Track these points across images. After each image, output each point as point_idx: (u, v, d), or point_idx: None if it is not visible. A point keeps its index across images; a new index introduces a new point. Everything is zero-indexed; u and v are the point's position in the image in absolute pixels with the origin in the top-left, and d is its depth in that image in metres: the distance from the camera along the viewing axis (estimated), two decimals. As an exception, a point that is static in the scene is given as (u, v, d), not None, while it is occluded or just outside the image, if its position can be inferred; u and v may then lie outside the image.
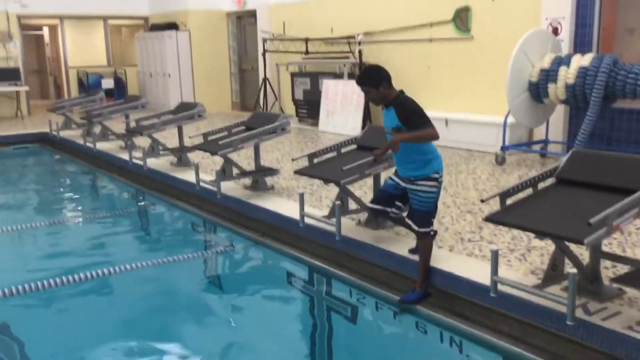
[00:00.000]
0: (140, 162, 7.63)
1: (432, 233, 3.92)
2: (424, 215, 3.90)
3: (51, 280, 4.49)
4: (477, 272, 3.79)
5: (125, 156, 8.12)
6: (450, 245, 4.33)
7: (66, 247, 5.71)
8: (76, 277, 4.58)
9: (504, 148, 7.37)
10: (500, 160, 7.29)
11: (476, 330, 3.60)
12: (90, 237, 6.03)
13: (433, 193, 3.88)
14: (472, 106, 8.79)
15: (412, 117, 3.80)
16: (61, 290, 4.44)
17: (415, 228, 3.89)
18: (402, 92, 3.93)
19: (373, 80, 3.89)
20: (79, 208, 7.34)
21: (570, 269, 3.37)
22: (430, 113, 9.43)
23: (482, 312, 3.61)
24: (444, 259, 4.07)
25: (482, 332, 3.56)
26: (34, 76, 17.55)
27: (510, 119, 7.43)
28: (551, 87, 6.79)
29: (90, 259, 5.25)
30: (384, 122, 4.09)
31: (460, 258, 4.12)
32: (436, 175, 3.87)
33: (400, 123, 3.83)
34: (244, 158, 7.54)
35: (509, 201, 3.62)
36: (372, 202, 4.17)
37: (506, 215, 3.44)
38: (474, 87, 8.85)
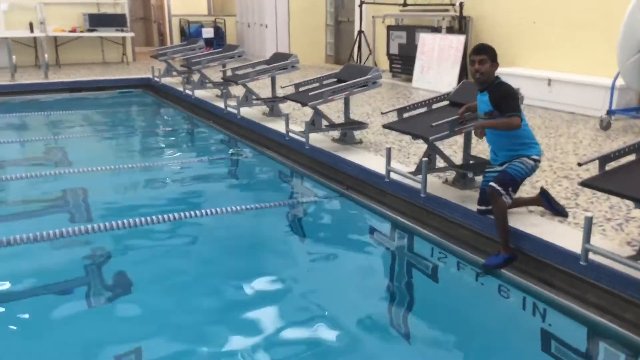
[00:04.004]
0: (235, 111, 7.82)
1: (505, 198, 3.77)
2: (508, 177, 3.83)
3: (147, 218, 4.75)
4: (568, 239, 3.62)
5: (220, 104, 8.34)
6: (542, 211, 4.14)
7: (161, 188, 6.00)
8: (170, 216, 4.82)
9: (610, 112, 6.90)
10: (605, 125, 6.84)
11: (562, 298, 3.46)
12: (183, 180, 6.32)
13: (528, 168, 3.90)
14: (579, 66, 8.26)
15: (503, 101, 3.86)
16: (155, 228, 4.69)
17: (493, 183, 3.79)
18: (498, 77, 4.00)
19: (493, 53, 3.96)
20: (175, 152, 7.67)
21: (672, 242, 3.14)
22: (532, 72, 9.02)
23: (569, 280, 3.46)
24: (534, 224, 3.91)
25: (568, 301, 3.43)
26: (139, 23, 18.28)
27: (619, 81, 6.91)
28: (669, 47, 6.23)
29: (183, 200, 5.49)
30: (478, 107, 4.14)
31: (552, 224, 3.94)
32: (536, 157, 3.93)
33: (492, 108, 3.90)
34: (334, 111, 7.53)
35: (609, 167, 3.41)
36: (479, 203, 4.09)
37: (604, 181, 3.23)
38: (582, 45, 8.28)
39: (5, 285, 3.80)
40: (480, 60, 3.91)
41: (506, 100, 3.84)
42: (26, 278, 3.89)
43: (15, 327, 3.34)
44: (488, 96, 3.94)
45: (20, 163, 6.99)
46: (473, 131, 3.98)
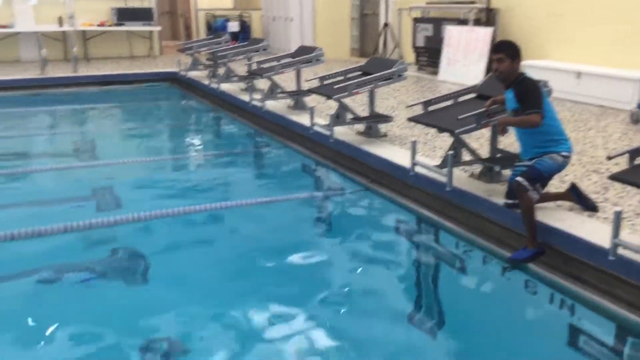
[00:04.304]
0: (259, 104, 7.85)
1: (531, 194, 3.72)
2: (536, 173, 3.79)
3: (173, 209, 4.80)
4: (597, 233, 3.56)
5: (246, 98, 8.38)
6: (571, 205, 4.08)
7: (186, 180, 6.05)
8: (194, 207, 4.87)
9: (641, 105, 6.77)
10: (635, 119, 6.70)
11: (590, 293, 3.42)
12: (209, 172, 6.39)
13: (557, 164, 3.85)
14: (609, 59, 8.09)
15: (525, 97, 3.81)
16: (180, 218, 4.74)
17: (519, 178, 3.75)
18: (523, 74, 3.94)
19: (512, 50, 3.91)
20: (201, 145, 7.74)
21: None
22: (561, 64, 8.86)
23: (598, 275, 3.41)
24: (562, 218, 3.86)
25: (597, 296, 3.38)
26: (165, 17, 18.39)
27: (652, 74, 6.78)
28: None
29: (207, 192, 5.54)
30: (506, 103, 4.12)
31: (580, 218, 3.88)
32: (565, 154, 3.86)
33: (518, 105, 3.86)
34: (359, 104, 7.51)
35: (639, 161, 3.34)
36: (506, 197, 4.05)
37: (634, 175, 3.18)
38: (612, 37, 8.11)
39: (46, 272, 3.88)
40: (498, 59, 3.88)
41: (527, 97, 3.79)
42: (60, 266, 3.97)
43: (42, 313, 3.41)
44: (513, 93, 3.90)
45: (50, 155, 7.12)
46: (497, 128, 3.94)
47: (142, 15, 13.76)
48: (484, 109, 4.36)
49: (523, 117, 3.78)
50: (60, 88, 10.65)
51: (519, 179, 3.76)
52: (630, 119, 6.77)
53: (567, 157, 3.87)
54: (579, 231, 3.63)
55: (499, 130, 3.97)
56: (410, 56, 11.78)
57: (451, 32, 10.25)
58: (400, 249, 4.53)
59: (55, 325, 3.25)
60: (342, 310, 3.50)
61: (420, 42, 11.19)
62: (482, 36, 9.65)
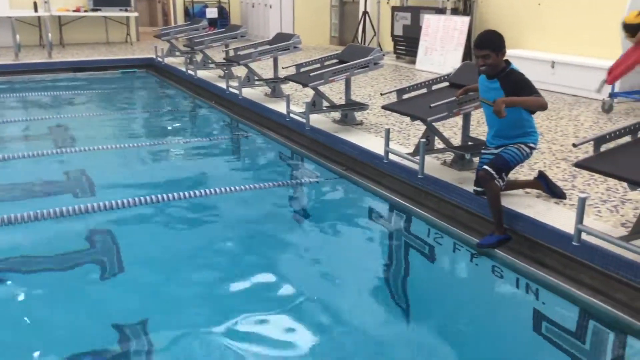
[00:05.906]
0: (236, 92, 7.82)
1: (497, 182, 3.78)
2: (502, 162, 3.83)
3: (148, 197, 4.79)
4: (562, 220, 3.64)
5: (222, 85, 8.34)
6: (538, 192, 4.16)
7: (162, 168, 6.04)
8: (170, 195, 4.85)
9: (612, 95, 6.87)
10: (607, 108, 6.81)
11: (555, 279, 3.49)
12: (185, 160, 6.35)
13: (523, 155, 3.90)
14: (584, 49, 8.20)
15: (525, 85, 3.72)
16: (156, 206, 4.73)
17: (486, 167, 3.80)
18: (507, 62, 3.86)
19: (497, 43, 3.80)
20: (176, 132, 7.69)
21: (664, 224, 3.15)
22: (536, 54, 8.93)
23: (562, 260, 3.49)
24: (529, 205, 3.93)
25: (561, 282, 3.45)
26: (143, 3, 18.21)
27: (623, 64, 6.86)
28: (674, 29, 6.17)
29: (183, 180, 5.51)
30: (481, 91, 4.02)
31: (547, 205, 3.96)
32: (532, 145, 3.92)
33: (508, 95, 3.77)
34: (336, 92, 7.52)
35: (604, 148, 3.41)
36: (475, 184, 4.06)
37: (598, 162, 3.25)
38: (586, 27, 8.21)
39: (12, 262, 3.85)
40: (483, 55, 3.79)
41: (523, 86, 3.74)
42: (31, 254, 3.95)
43: (18, 302, 3.40)
44: (499, 83, 3.82)
45: (24, 142, 7.03)
46: (493, 110, 3.66)
47: (119, 0, 13.58)
48: (455, 98, 4.40)
49: (533, 97, 3.69)
50: (34, 74, 10.51)
51: (486, 167, 3.81)
52: (601, 108, 6.88)
53: (533, 149, 3.94)
54: (544, 217, 3.70)
55: (499, 111, 3.70)
56: (389, 45, 11.81)
57: (429, 21, 10.29)
58: (373, 236, 4.56)
59: (31, 313, 3.25)
60: (315, 297, 3.53)
61: (399, 31, 11.22)
62: (460, 25, 9.70)
